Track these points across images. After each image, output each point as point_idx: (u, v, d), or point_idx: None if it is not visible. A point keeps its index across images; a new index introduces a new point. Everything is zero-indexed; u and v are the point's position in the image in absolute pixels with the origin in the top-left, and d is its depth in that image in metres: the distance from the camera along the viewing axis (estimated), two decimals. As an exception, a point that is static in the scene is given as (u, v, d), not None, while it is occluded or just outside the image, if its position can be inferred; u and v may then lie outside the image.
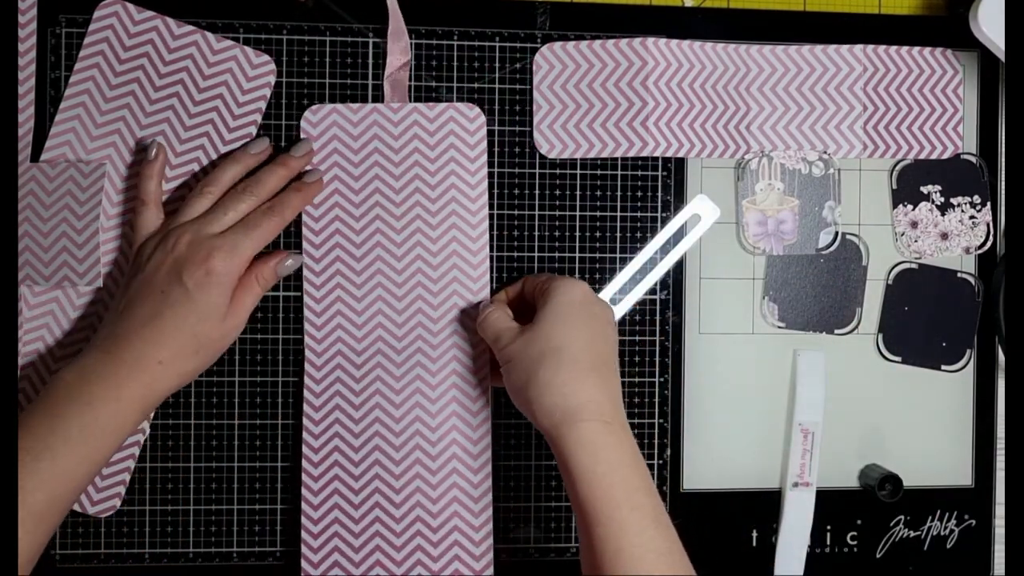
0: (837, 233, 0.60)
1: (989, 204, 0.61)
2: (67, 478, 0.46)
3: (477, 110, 0.57)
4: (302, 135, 0.56)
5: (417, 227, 0.57)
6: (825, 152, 0.59)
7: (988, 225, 0.61)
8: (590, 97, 0.58)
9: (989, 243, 0.61)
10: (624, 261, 0.59)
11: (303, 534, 0.56)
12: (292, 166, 0.55)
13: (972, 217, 0.61)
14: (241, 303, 0.52)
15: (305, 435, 0.56)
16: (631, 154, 0.58)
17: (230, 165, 0.54)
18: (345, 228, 0.56)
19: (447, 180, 0.57)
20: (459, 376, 0.56)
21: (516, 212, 0.58)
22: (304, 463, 0.56)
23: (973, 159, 0.61)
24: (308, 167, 0.56)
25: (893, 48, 0.60)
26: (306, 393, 0.56)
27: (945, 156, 0.60)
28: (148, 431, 0.56)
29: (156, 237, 0.52)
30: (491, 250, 0.57)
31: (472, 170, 0.57)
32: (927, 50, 0.60)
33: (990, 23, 0.55)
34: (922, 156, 0.60)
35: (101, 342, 0.49)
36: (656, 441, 0.59)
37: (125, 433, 0.48)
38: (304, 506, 0.56)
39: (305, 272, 0.56)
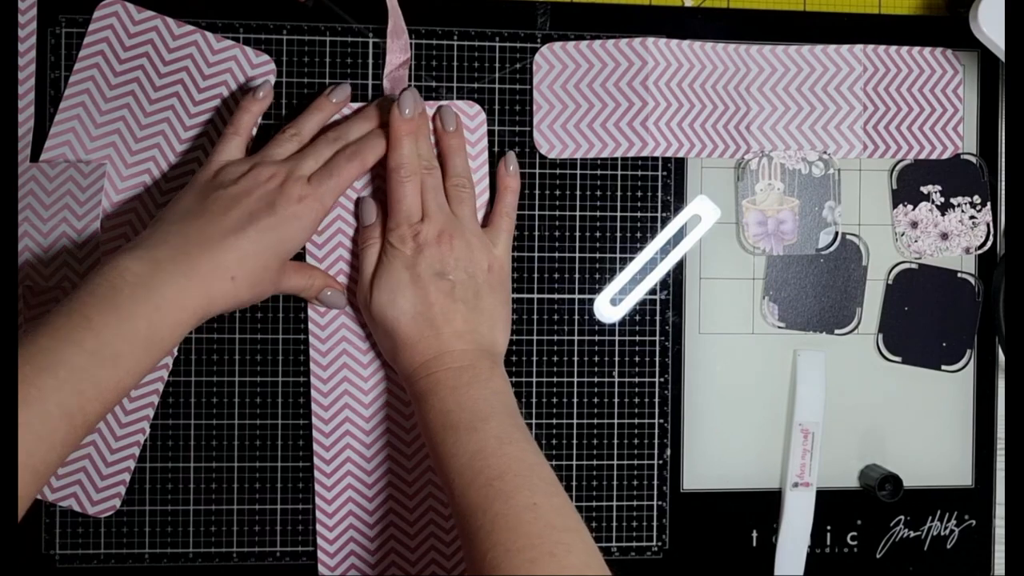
0: (837, 233, 0.60)
1: (989, 204, 0.61)
2: (120, 388, 0.44)
3: (478, 107, 0.57)
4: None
5: (418, 227, 0.57)
6: (825, 152, 0.59)
7: (988, 225, 0.61)
8: (590, 97, 0.58)
9: (989, 243, 0.61)
10: (624, 261, 0.59)
11: (320, 535, 0.56)
12: (376, 119, 0.54)
13: (972, 217, 0.61)
14: (290, 280, 0.53)
15: (316, 435, 0.56)
16: (631, 154, 0.58)
17: (314, 113, 0.54)
18: (347, 227, 0.56)
19: (448, 179, 0.57)
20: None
21: (516, 212, 0.58)
22: (317, 461, 0.56)
23: (973, 159, 0.61)
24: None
25: (893, 48, 0.60)
26: (314, 393, 0.56)
27: (945, 156, 0.60)
28: (148, 431, 0.56)
29: (242, 165, 0.51)
30: (491, 250, 0.58)
31: (473, 168, 0.57)
32: (927, 50, 0.60)
33: (990, 23, 0.55)
34: (922, 156, 0.60)
35: (171, 238, 0.47)
36: (656, 441, 0.59)
37: (171, 349, 0.47)
38: (319, 505, 0.56)
39: (305, 272, 0.56)
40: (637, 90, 0.58)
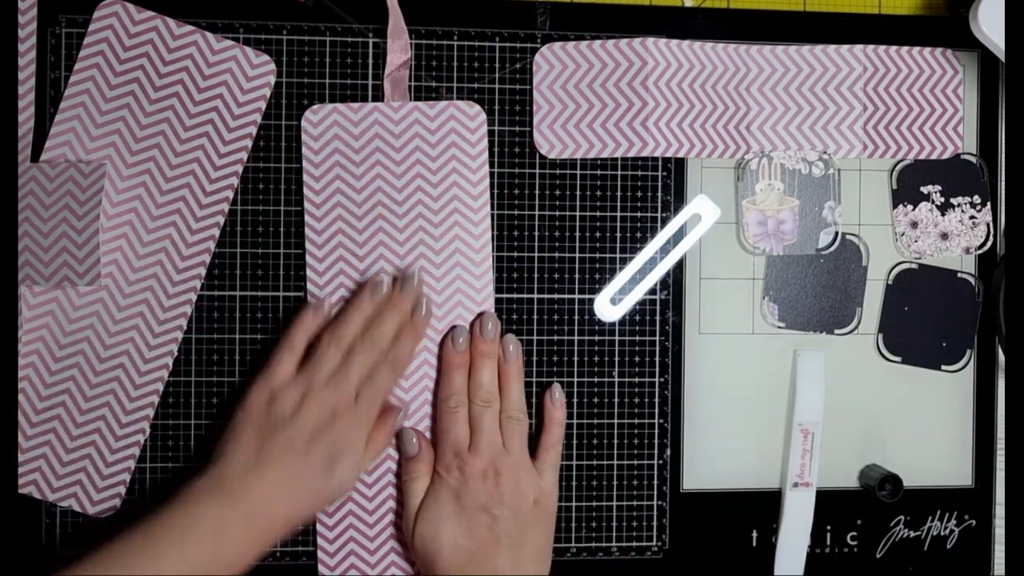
0: (837, 233, 0.60)
1: (989, 204, 0.61)
2: None
3: (478, 108, 0.57)
4: (303, 135, 0.56)
5: (420, 226, 0.57)
6: (825, 152, 0.60)
7: (988, 225, 0.61)
8: (590, 97, 0.58)
9: (989, 243, 0.61)
10: (624, 261, 0.59)
11: (320, 535, 0.56)
12: (406, 309, 0.54)
13: (972, 217, 0.61)
14: (365, 464, 0.54)
15: None
16: (631, 154, 0.58)
17: (355, 316, 0.53)
18: (347, 228, 0.56)
19: (449, 178, 0.57)
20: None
21: (516, 212, 0.58)
22: None
23: (973, 159, 0.61)
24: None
25: (893, 48, 0.60)
26: None
27: (945, 156, 0.60)
28: (148, 431, 0.56)
29: (293, 393, 0.51)
30: (492, 250, 0.58)
31: (473, 168, 0.57)
32: (927, 50, 0.60)
33: (990, 23, 0.55)
34: (922, 156, 0.60)
35: (238, 489, 0.48)
36: (656, 441, 0.59)
37: None
38: None
39: (308, 273, 0.56)
40: (637, 90, 0.58)
